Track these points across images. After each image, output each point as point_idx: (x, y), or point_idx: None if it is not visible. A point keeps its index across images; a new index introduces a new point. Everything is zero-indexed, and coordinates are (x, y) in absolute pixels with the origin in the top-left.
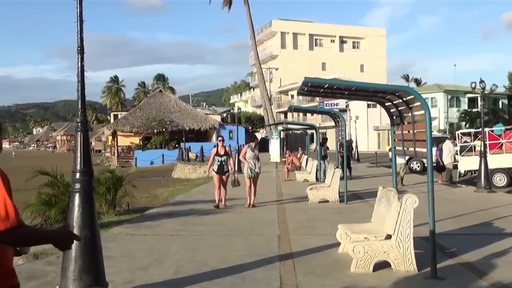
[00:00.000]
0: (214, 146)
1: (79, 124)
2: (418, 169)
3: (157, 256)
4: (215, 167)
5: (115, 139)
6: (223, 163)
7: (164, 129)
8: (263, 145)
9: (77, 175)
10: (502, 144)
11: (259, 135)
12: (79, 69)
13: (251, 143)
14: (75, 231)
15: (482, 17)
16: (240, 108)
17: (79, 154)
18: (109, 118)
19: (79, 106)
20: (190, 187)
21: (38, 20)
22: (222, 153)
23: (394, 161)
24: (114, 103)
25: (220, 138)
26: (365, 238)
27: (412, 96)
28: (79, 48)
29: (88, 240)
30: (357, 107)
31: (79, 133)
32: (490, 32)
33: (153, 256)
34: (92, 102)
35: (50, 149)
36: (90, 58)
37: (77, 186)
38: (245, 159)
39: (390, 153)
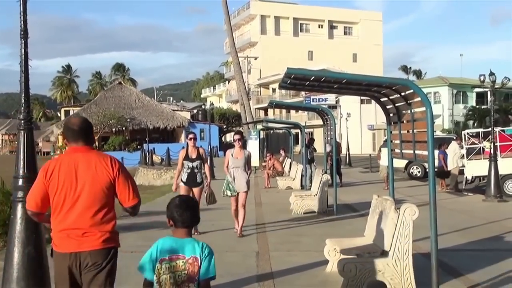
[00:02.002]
0: (183, 147)
1: (22, 121)
2: (418, 174)
3: (115, 276)
4: (184, 176)
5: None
6: (195, 170)
7: (124, 128)
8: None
9: (20, 182)
10: None
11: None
12: (22, 56)
13: (236, 145)
14: (17, 247)
15: (493, 0)
16: (213, 104)
17: (22, 157)
18: (59, 114)
19: (23, 101)
20: (154, 196)
21: None
22: (194, 156)
23: (391, 166)
24: (65, 97)
25: (191, 136)
26: (357, 255)
27: (412, 91)
28: (22, 32)
29: (33, 259)
30: (349, 103)
31: (22, 132)
32: (501, 17)
33: None
34: (39, 95)
35: None
36: (36, 44)
37: (20, 194)
38: (227, 169)
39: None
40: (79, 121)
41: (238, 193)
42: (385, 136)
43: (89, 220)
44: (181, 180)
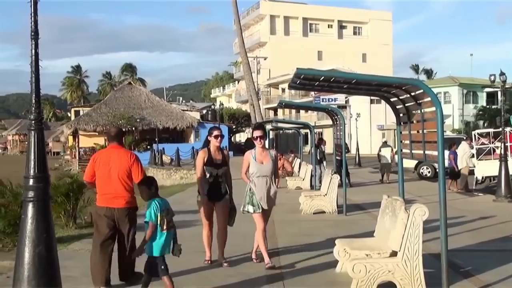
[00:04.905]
0: (205, 146)
1: (33, 122)
2: (428, 174)
3: (136, 224)
4: (205, 187)
5: (76, 140)
6: (220, 179)
7: (133, 128)
8: (250, 147)
9: (31, 182)
10: None
11: (245, 135)
12: (33, 57)
13: (257, 145)
14: (28, 246)
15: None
16: (222, 104)
17: (32, 157)
18: (69, 114)
19: (33, 101)
20: (163, 196)
21: None
22: (219, 160)
23: (400, 166)
24: (75, 97)
25: (216, 133)
26: (366, 255)
27: (422, 91)
28: (33, 33)
29: (44, 258)
30: (359, 103)
31: (32, 132)
32: (508, 15)
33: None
34: (49, 96)
35: (0, 150)
36: (45, 44)
37: (31, 194)
38: (247, 177)
39: (396, 157)
40: (115, 130)
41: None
42: (394, 136)
43: (117, 189)
44: (199, 192)
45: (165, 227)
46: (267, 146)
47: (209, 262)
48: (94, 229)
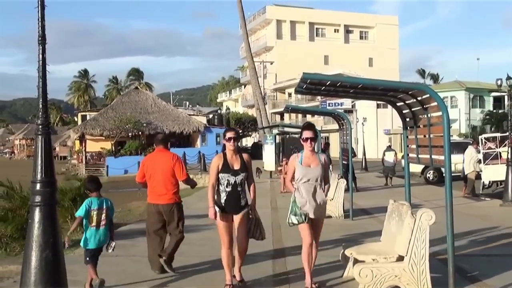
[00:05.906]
0: (222, 151)
1: (40, 126)
2: (435, 179)
3: (131, 281)
4: (221, 198)
5: (83, 144)
6: (239, 188)
7: (140, 133)
8: (256, 151)
9: (38, 186)
10: None
11: (251, 139)
12: (40, 62)
13: (306, 147)
14: (35, 251)
15: (508, 2)
16: (229, 108)
17: (39, 162)
18: (76, 119)
19: (40, 106)
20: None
21: None
22: (237, 166)
23: (407, 170)
24: (82, 101)
25: (230, 135)
26: (373, 260)
27: (428, 95)
28: (40, 38)
29: (50, 262)
30: (365, 107)
31: (40, 137)
32: None
33: (126, 280)
34: (56, 100)
35: (7, 155)
36: (52, 49)
37: (38, 199)
38: (292, 185)
39: (402, 161)
40: (161, 135)
41: (312, 220)
42: (401, 140)
43: (162, 188)
44: (217, 203)
45: (94, 224)
46: (272, 149)
47: (230, 287)
48: (146, 222)
